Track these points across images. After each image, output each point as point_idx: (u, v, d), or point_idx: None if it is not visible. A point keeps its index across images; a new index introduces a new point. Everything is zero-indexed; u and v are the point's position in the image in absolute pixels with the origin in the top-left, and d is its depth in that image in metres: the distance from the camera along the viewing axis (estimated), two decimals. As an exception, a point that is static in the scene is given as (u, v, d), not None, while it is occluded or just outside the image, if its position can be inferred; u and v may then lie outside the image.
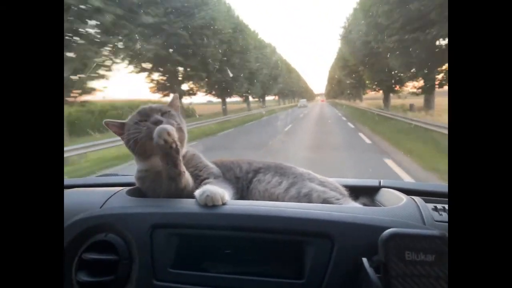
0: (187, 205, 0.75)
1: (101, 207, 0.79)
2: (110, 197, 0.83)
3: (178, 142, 0.80)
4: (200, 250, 0.71)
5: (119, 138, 0.91)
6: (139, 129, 0.85)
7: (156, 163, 0.86)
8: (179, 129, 0.89)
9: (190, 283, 0.67)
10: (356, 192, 0.99)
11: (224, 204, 0.74)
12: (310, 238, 0.66)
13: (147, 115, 0.88)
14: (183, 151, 0.92)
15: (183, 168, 0.83)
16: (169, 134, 0.78)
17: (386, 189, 0.96)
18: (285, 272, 0.66)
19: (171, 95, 1.01)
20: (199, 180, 0.91)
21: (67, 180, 1.16)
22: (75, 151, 7.03)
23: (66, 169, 5.94)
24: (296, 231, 0.67)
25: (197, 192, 0.76)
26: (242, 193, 0.94)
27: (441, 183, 1.03)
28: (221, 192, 0.76)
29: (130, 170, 1.12)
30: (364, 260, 0.55)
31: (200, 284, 0.66)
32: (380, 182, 1.02)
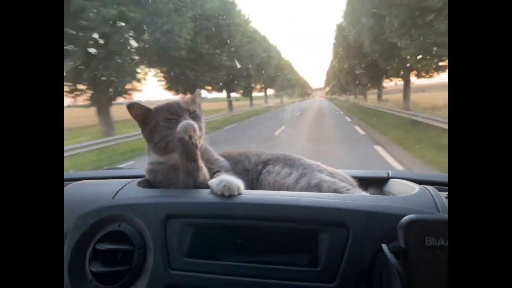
0: (201, 195, 0.75)
1: (113, 198, 0.79)
2: (121, 188, 0.82)
3: (199, 138, 0.82)
4: (215, 240, 0.71)
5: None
6: (170, 128, 0.86)
7: (172, 158, 0.87)
8: (201, 128, 0.92)
9: (205, 272, 0.67)
10: (365, 183, 0.99)
11: (240, 194, 0.74)
12: (325, 227, 0.66)
13: (176, 114, 0.89)
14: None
15: (201, 163, 0.84)
16: (194, 130, 0.80)
17: (395, 179, 0.96)
18: (301, 260, 0.66)
19: (197, 90, 1.03)
20: (210, 173, 0.91)
21: (76, 174, 1.15)
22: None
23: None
24: (311, 220, 0.67)
25: (213, 182, 0.76)
26: (251, 185, 0.94)
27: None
28: (237, 182, 0.76)
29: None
30: (384, 246, 0.56)
31: (215, 272, 0.66)
32: (388, 173, 1.02)
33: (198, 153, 0.82)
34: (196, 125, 0.81)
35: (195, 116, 0.92)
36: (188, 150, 0.80)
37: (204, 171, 0.86)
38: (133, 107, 0.90)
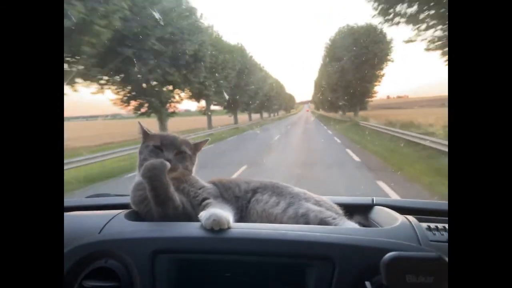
0: (190, 229, 0.75)
1: (99, 232, 0.78)
2: (108, 221, 0.82)
3: (165, 178, 0.85)
4: (202, 275, 0.71)
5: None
6: (152, 155, 0.95)
7: None
8: (185, 169, 0.99)
9: None
10: (350, 210, 1.02)
11: (229, 227, 0.75)
12: (311, 261, 0.68)
13: (164, 146, 0.97)
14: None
15: (170, 194, 0.85)
16: (154, 168, 0.83)
17: (379, 207, 0.99)
18: None
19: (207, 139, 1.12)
20: (198, 200, 0.92)
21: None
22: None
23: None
24: (297, 254, 0.69)
25: (202, 216, 0.77)
26: (241, 212, 0.95)
27: (432, 201, 1.07)
28: (227, 215, 0.77)
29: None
30: (367, 283, 0.57)
31: None
32: (373, 200, 1.05)
33: (165, 189, 0.84)
34: (159, 166, 0.84)
35: (181, 157, 0.98)
36: (155, 188, 0.83)
37: (175, 199, 0.86)
38: (140, 126, 1.02)
